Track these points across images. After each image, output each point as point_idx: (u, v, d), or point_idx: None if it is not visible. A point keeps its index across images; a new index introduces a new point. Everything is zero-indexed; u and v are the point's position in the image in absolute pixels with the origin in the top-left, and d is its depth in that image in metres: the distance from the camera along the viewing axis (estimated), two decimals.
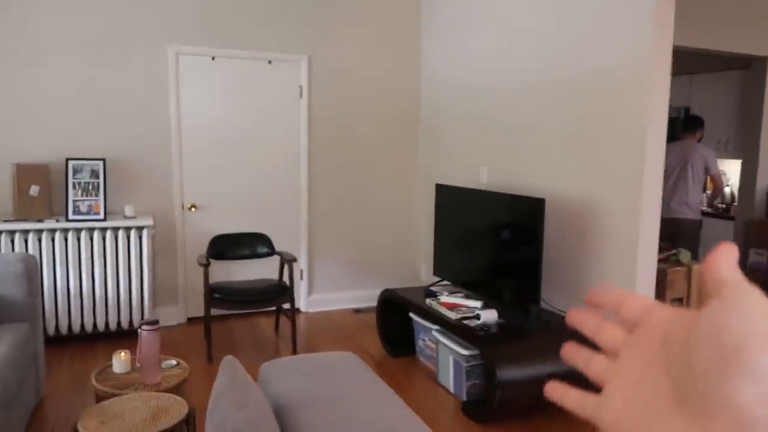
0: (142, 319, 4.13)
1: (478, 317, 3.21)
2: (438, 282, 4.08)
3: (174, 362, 2.71)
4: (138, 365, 2.52)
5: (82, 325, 4.02)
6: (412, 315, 3.87)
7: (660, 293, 3.19)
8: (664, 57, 2.80)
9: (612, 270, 3.09)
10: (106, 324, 4.07)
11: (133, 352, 3.87)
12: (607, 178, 3.09)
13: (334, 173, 4.90)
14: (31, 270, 2.98)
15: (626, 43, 2.94)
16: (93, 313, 4.01)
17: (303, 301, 4.91)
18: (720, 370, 0.28)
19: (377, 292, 5.14)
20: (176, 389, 2.51)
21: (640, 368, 0.35)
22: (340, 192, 4.94)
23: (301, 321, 4.68)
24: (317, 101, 4.76)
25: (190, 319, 4.61)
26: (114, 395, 2.38)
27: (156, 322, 2.49)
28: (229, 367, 1.38)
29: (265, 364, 1.69)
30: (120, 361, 2.57)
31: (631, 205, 2.95)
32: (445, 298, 3.52)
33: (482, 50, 4.17)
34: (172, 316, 4.50)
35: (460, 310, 3.38)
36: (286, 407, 1.41)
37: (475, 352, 3.19)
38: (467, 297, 3.62)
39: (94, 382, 2.47)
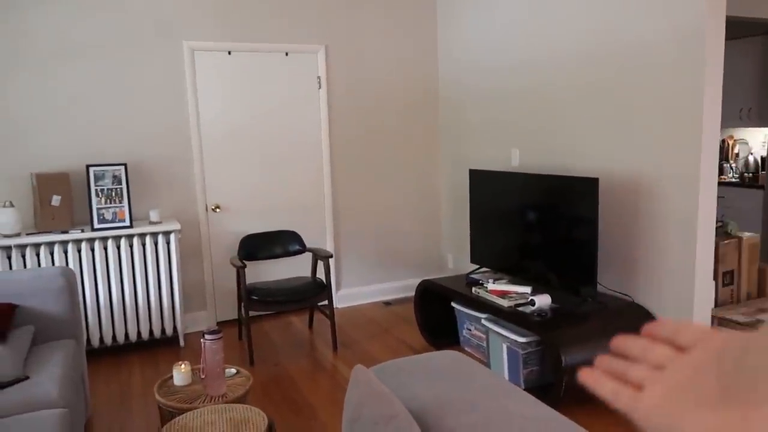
0: (175, 325, 4.01)
1: (532, 303, 3.14)
2: (476, 270, 4.00)
3: (233, 370, 2.61)
4: (202, 377, 2.41)
5: (114, 337, 3.89)
6: (454, 304, 3.79)
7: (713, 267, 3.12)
8: (718, 22, 2.72)
9: (668, 247, 3.03)
10: (138, 334, 3.94)
11: (171, 362, 3.77)
12: (660, 152, 3.01)
13: (357, 164, 4.79)
14: (72, 283, 2.86)
15: (676, 9, 2.85)
16: (125, 323, 3.88)
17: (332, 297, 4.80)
18: None
19: (404, 283, 5.07)
20: (243, 399, 2.41)
21: (688, 373, 0.38)
22: (364, 184, 4.84)
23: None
24: (336, 91, 4.63)
25: (219, 323, 4.49)
26: (182, 410, 2.28)
27: (219, 331, 2.38)
28: (363, 377, 1.28)
29: (375, 368, 1.60)
30: (181, 373, 2.46)
31: (689, 179, 2.88)
32: (492, 286, 3.44)
33: (507, 26, 4.07)
34: (202, 321, 4.38)
35: (511, 296, 3.30)
36: (423, 415, 1.32)
37: (533, 338, 3.12)
38: (513, 283, 3.54)
39: (158, 397, 2.36)
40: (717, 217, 3.57)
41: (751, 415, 0.32)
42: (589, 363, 2.91)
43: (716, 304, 3.34)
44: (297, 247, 4.13)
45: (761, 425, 0.32)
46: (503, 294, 3.35)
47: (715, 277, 3.32)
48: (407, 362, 1.66)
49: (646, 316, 3.13)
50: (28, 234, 3.63)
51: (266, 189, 4.50)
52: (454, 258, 5.05)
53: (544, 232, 3.39)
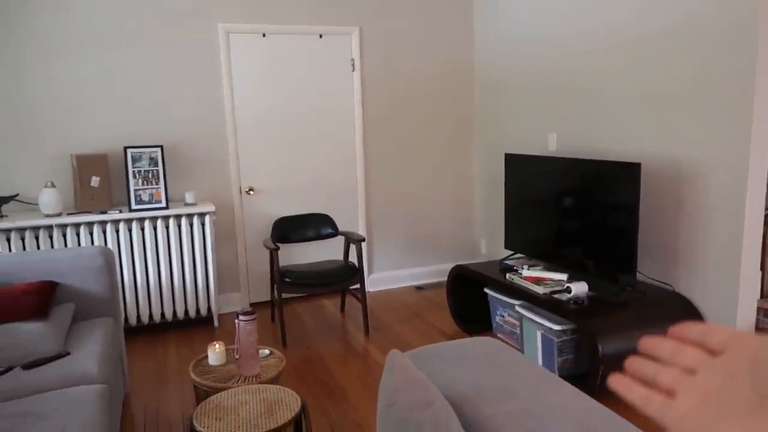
0: (209, 306, 4.07)
1: (569, 290, 3.07)
2: (511, 256, 3.94)
3: (267, 351, 2.63)
4: (236, 357, 2.43)
5: (151, 316, 3.97)
6: (488, 290, 3.75)
7: None
8: None
9: (713, 235, 2.92)
10: (174, 313, 4.02)
11: (206, 341, 3.83)
12: (707, 136, 2.90)
13: (390, 148, 4.76)
14: (110, 263, 2.91)
15: None
16: (161, 302, 3.95)
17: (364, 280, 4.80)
18: None
19: (437, 268, 5.03)
20: (276, 380, 2.43)
21: (722, 380, 0.37)
22: (397, 167, 4.80)
23: None
24: (370, 73, 4.59)
25: (253, 304, 4.54)
26: (217, 389, 2.30)
27: (253, 312, 2.40)
28: (399, 362, 1.26)
29: (410, 353, 1.57)
30: (215, 353, 2.49)
31: (737, 165, 2.76)
32: (527, 272, 3.38)
33: (545, 6, 3.95)
34: (236, 302, 4.44)
35: (546, 283, 3.24)
36: (459, 402, 1.30)
37: (568, 326, 3.06)
38: (549, 270, 3.47)
39: (193, 375, 2.39)
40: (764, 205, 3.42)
41: None
42: (626, 353, 2.84)
43: (762, 295, 3.22)
44: (329, 231, 4.13)
45: None
46: (538, 281, 3.29)
47: (762, 267, 3.19)
48: (442, 348, 1.63)
49: (688, 306, 3.04)
50: (68, 214, 3.72)
51: (299, 172, 4.51)
52: (488, 243, 4.99)
53: (581, 218, 3.30)
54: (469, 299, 3.93)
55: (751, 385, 0.35)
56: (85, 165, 3.77)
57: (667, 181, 3.15)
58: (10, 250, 3.54)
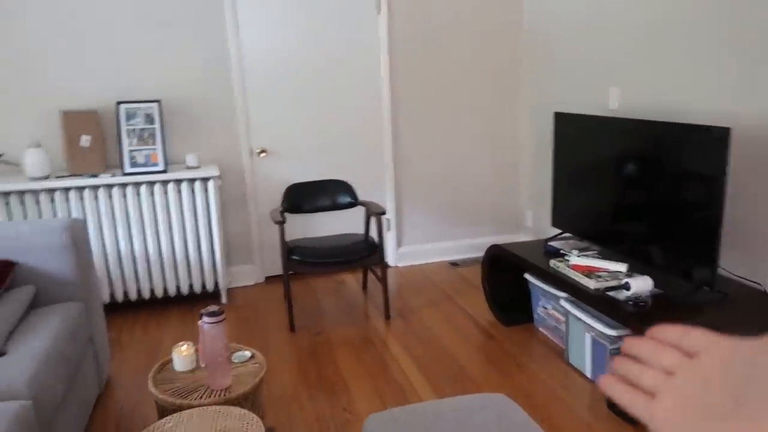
0: (216, 280, 3.67)
1: (627, 287, 2.46)
2: (558, 235, 3.33)
3: (248, 354, 2.17)
4: (202, 365, 1.99)
5: (152, 290, 3.61)
6: (528, 276, 3.17)
7: None
8: None
9: None
10: (177, 288, 3.64)
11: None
12: None
13: (423, 104, 4.14)
14: (79, 238, 2.50)
15: None
16: (163, 276, 3.58)
17: (391, 254, 4.30)
18: None
19: (474, 242, 4.47)
20: (249, 396, 1.97)
21: (699, 383, 0.37)
22: (430, 126, 4.20)
23: (390, 278, 4.09)
24: (399, 16, 3.95)
25: (268, 278, 4.13)
26: (173, 407, 1.87)
27: (220, 313, 1.93)
28: None
29: (373, 418, 1.05)
30: (181, 357, 2.06)
31: None
32: (577, 260, 2.78)
33: None
34: (249, 275, 4.03)
35: (600, 276, 2.63)
36: None
37: (626, 332, 2.46)
38: (602, 256, 2.86)
39: (151, 386, 1.97)
40: None
41: (766, 427, 0.32)
42: None
43: None
44: (347, 200, 3.62)
45: None
46: (590, 271, 2.68)
47: None
48: (430, 410, 1.10)
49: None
50: (57, 177, 3.34)
51: (317, 132, 3.98)
52: (535, 215, 4.36)
53: (648, 194, 2.65)
54: (508, 283, 3.37)
55: (726, 389, 0.35)
56: (74, 122, 3.37)
57: (763, 153, 2.45)
58: None
